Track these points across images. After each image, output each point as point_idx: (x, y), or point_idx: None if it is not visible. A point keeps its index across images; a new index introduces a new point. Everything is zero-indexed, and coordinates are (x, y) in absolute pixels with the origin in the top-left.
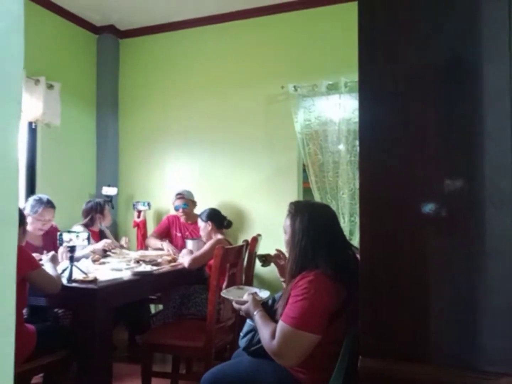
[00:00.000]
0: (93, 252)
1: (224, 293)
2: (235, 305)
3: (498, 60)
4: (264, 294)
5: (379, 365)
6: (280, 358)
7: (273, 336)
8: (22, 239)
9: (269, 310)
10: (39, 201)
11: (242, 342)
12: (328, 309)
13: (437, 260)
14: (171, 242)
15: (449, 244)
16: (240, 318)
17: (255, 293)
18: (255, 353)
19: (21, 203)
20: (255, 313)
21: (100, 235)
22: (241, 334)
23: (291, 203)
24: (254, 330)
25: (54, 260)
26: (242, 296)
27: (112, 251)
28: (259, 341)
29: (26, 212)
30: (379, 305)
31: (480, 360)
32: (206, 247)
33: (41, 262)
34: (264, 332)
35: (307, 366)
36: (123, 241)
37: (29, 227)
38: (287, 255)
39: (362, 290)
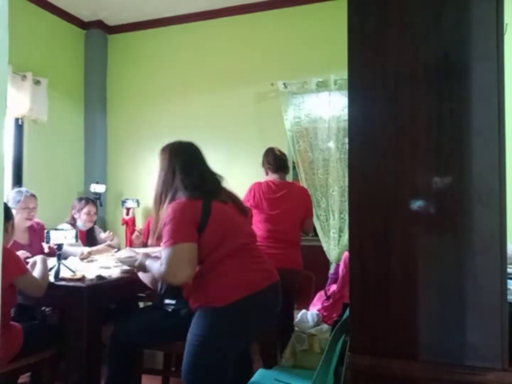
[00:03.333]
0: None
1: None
2: (129, 266)
3: (487, 58)
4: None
5: (368, 362)
6: (174, 277)
7: (160, 264)
8: (10, 236)
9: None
10: (19, 191)
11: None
12: (193, 221)
13: (426, 258)
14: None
15: (438, 241)
16: None
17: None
18: (167, 293)
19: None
20: (146, 262)
21: (87, 235)
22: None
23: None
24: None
25: (44, 263)
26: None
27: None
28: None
29: (9, 205)
30: (368, 302)
31: (468, 356)
32: None
33: (28, 260)
34: (154, 267)
35: (210, 280)
36: (105, 235)
37: (15, 221)
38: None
39: (352, 287)
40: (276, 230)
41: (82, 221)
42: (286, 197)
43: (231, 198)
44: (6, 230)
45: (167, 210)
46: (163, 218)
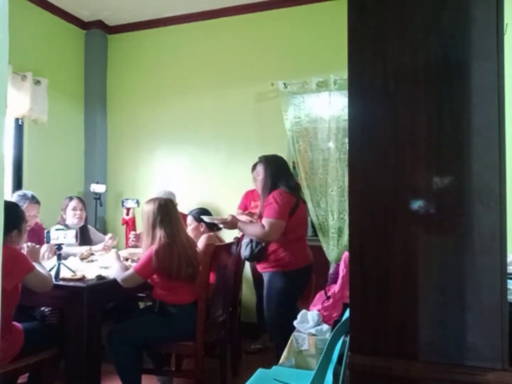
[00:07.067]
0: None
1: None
2: (219, 222)
3: (487, 58)
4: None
5: (368, 362)
6: (268, 237)
7: (262, 227)
8: (19, 240)
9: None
10: (24, 196)
11: (245, 253)
12: (288, 207)
13: (426, 257)
14: None
15: (438, 241)
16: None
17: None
18: (258, 257)
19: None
20: (239, 223)
21: (81, 235)
22: (242, 247)
23: (261, 157)
24: (251, 241)
25: (33, 254)
26: None
27: (95, 251)
28: (257, 246)
29: None
30: (368, 302)
31: (468, 356)
32: (200, 245)
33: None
34: (254, 227)
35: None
36: (107, 239)
37: None
38: (260, 191)
39: (352, 287)
40: None
41: (70, 219)
42: None
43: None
44: (10, 237)
45: (274, 193)
46: (270, 197)
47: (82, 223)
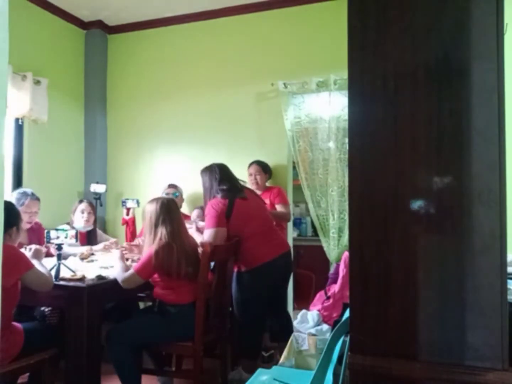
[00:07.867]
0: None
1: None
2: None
3: (487, 58)
4: None
5: (368, 362)
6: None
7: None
8: (17, 238)
9: None
10: (24, 193)
11: None
12: (223, 212)
13: (426, 257)
14: None
15: (438, 241)
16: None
17: None
18: None
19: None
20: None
21: (87, 237)
22: None
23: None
24: None
25: (38, 255)
26: None
27: (95, 251)
28: None
29: None
30: (368, 302)
31: (468, 356)
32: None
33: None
34: (199, 236)
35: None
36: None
37: None
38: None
39: (352, 287)
40: None
41: (78, 222)
42: None
43: (252, 193)
44: (9, 235)
45: (208, 204)
46: (206, 208)
47: (90, 227)
